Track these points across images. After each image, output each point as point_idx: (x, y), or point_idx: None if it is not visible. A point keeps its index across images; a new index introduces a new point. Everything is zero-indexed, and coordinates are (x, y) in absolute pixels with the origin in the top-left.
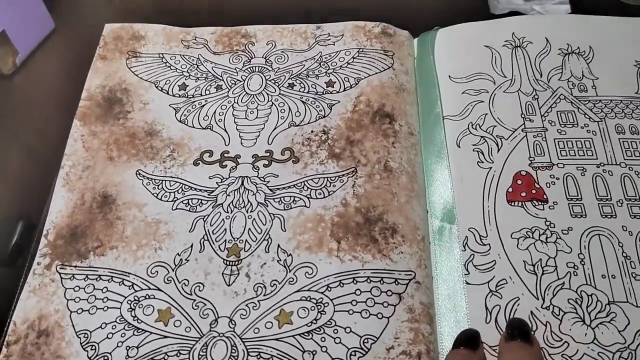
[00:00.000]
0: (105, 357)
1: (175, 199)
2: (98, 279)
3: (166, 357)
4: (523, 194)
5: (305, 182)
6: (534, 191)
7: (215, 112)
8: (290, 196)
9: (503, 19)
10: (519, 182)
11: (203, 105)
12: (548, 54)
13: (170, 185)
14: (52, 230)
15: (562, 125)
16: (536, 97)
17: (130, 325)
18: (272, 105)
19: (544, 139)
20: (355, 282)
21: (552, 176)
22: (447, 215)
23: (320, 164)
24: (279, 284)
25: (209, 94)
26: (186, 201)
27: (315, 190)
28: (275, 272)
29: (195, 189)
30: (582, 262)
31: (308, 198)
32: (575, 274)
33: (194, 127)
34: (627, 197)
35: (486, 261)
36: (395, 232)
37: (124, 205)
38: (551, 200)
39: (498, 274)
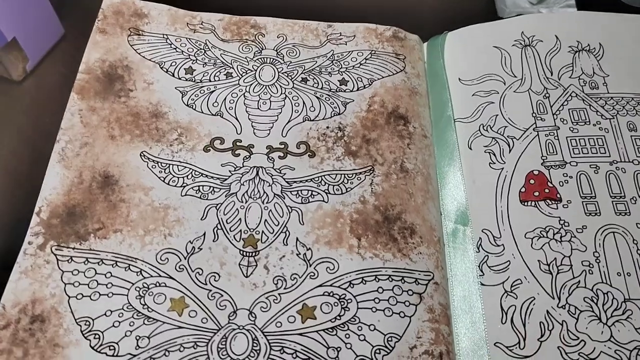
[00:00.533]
0: (112, 347)
1: (185, 184)
2: (100, 262)
3: (182, 349)
4: (536, 194)
5: (323, 177)
6: (547, 190)
7: (225, 99)
8: (308, 190)
9: (512, 19)
10: (532, 181)
11: (212, 92)
12: (558, 52)
13: (179, 170)
14: (45, 208)
15: (574, 123)
16: (547, 95)
17: (140, 314)
18: (285, 97)
19: (556, 138)
20: (377, 279)
21: (565, 175)
22: (461, 217)
23: (336, 160)
24: (300, 277)
25: (219, 80)
26: (197, 187)
27: (333, 185)
28: (295, 265)
29: (207, 175)
30: (597, 260)
31: (326, 193)
32: (590, 272)
33: (202, 112)
34: None
35: (500, 262)
36: (414, 232)
37: (128, 187)
38: (565, 199)
39: (513, 274)
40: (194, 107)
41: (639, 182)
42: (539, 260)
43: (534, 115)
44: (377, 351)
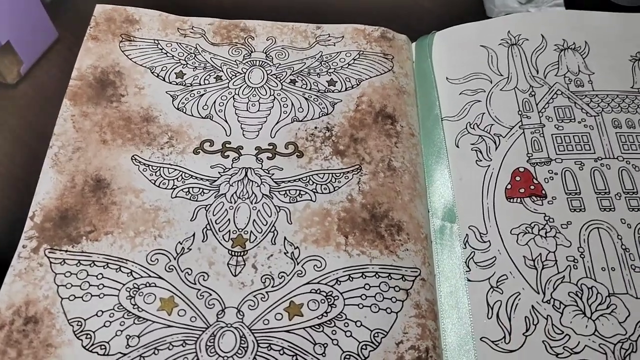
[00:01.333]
0: (103, 346)
1: (175, 186)
2: (92, 264)
3: (171, 347)
4: (522, 190)
5: (311, 177)
6: (532, 187)
7: (215, 102)
8: (296, 189)
9: (499, 18)
10: (518, 178)
11: (202, 95)
12: (544, 51)
13: (169, 173)
14: (39, 213)
15: (560, 121)
16: (533, 93)
17: (130, 314)
18: (274, 99)
19: (542, 135)
20: (364, 276)
21: (551, 171)
22: (448, 214)
23: (324, 160)
24: (287, 276)
25: (208, 83)
26: (186, 189)
27: (321, 185)
28: (283, 264)
29: (196, 177)
30: (582, 256)
31: (314, 192)
32: (575, 267)
33: (192, 115)
34: (625, 190)
35: (487, 258)
36: (401, 229)
37: (119, 190)
38: (550, 195)
39: (499, 270)
40: (184, 111)
41: (623, 178)
42: (524, 256)
43: (520, 113)
44: (364, 347)
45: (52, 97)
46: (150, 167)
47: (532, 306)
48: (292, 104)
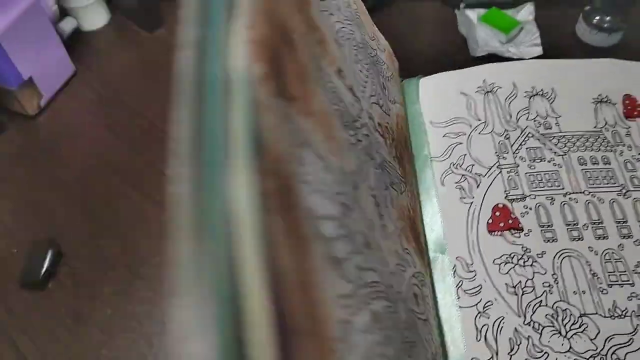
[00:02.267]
0: None
1: None
2: None
3: None
4: (501, 224)
5: None
6: (510, 221)
7: None
8: None
9: (475, 67)
10: (497, 213)
11: None
12: (515, 97)
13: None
14: None
15: (532, 161)
16: (507, 136)
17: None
18: None
19: (517, 174)
20: None
21: (526, 206)
22: (440, 246)
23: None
24: None
25: None
26: None
27: None
28: None
29: None
30: (556, 281)
31: None
32: (550, 292)
33: None
34: (591, 221)
35: (473, 286)
36: (422, 252)
37: None
38: (526, 228)
39: (485, 296)
40: None
41: (589, 211)
42: (506, 284)
43: (497, 154)
44: None
45: (70, 127)
46: None
47: (515, 328)
48: None
